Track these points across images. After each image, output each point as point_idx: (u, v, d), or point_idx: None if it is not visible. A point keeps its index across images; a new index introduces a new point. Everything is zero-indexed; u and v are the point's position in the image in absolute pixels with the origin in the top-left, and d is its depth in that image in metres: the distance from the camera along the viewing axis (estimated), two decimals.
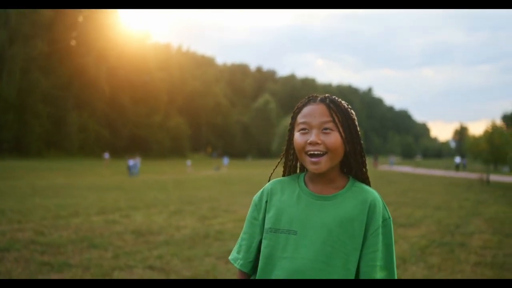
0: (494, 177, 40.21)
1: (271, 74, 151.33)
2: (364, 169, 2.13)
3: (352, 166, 2.12)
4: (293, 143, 2.12)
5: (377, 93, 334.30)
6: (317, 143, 1.97)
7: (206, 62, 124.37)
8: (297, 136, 2.04)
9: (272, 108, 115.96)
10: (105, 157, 54.14)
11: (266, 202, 2.13)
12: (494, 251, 9.40)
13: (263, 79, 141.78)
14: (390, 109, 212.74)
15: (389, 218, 2.04)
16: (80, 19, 70.87)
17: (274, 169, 2.33)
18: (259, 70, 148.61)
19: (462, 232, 11.58)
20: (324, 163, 1.97)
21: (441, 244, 9.82)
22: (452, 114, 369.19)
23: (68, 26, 68.78)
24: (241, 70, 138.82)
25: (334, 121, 2.00)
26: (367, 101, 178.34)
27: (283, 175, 2.27)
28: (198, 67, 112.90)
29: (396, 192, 23.64)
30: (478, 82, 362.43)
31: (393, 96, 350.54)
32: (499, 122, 50.26)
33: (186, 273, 7.00)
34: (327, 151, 1.97)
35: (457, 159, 49.39)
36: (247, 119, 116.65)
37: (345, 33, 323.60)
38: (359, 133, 2.10)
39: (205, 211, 14.31)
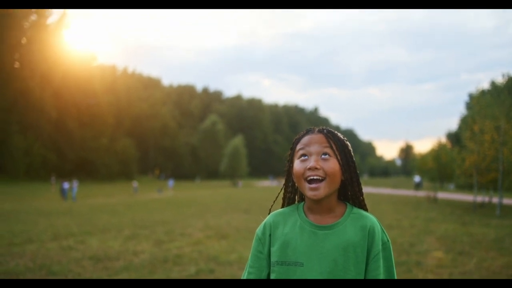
0: (441, 195, 40.94)
1: (217, 95, 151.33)
2: (361, 197, 2.22)
3: (349, 195, 2.22)
4: (292, 174, 2.21)
5: (323, 112, 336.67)
6: (316, 168, 2.05)
7: (153, 84, 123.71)
8: (297, 163, 2.13)
9: (220, 129, 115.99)
10: (52, 182, 53.32)
11: (270, 235, 2.18)
12: (450, 269, 9.59)
13: (210, 100, 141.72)
14: (336, 128, 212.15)
15: (388, 241, 2.13)
16: (24, 40, 69.48)
17: (274, 201, 2.37)
18: (205, 91, 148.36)
19: (416, 251, 11.76)
20: (323, 189, 2.05)
21: (398, 263, 9.93)
22: (397, 132, 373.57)
23: (10, 48, 67.19)
24: (187, 91, 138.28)
25: (332, 148, 2.10)
26: (313, 121, 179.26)
27: (282, 207, 2.32)
28: (145, 89, 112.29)
29: None
30: (422, 100, 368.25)
31: (339, 115, 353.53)
32: (444, 140, 51.18)
33: None
34: (325, 176, 2.06)
35: (417, 178, 50.00)
36: (195, 140, 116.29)
37: (290, 53, 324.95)
38: (355, 163, 2.19)
39: (161, 235, 14.23)
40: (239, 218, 20.23)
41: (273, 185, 75.73)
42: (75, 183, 37.98)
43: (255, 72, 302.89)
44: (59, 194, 37.72)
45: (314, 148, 2.11)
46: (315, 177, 2.05)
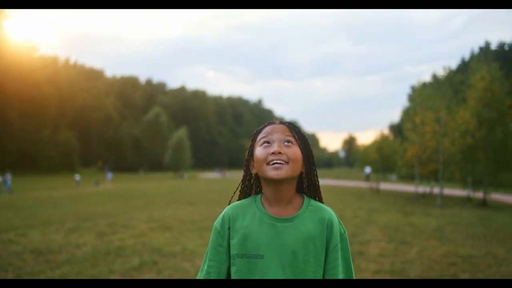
0: (383, 186, 41.56)
1: (161, 87, 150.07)
2: (318, 191, 2.27)
3: (305, 187, 2.27)
4: (250, 169, 2.25)
5: (268, 104, 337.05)
6: (280, 153, 2.08)
7: (95, 75, 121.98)
8: (259, 150, 2.15)
9: (163, 121, 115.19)
10: None
11: (229, 228, 2.18)
12: (392, 258, 9.76)
13: (154, 92, 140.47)
14: (280, 120, 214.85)
15: (345, 232, 2.17)
16: None
17: (234, 193, 2.38)
18: (149, 82, 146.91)
19: (359, 241, 11.95)
20: (285, 170, 2.07)
21: None
22: (341, 124, 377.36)
23: None
24: (131, 82, 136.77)
25: (294, 137, 2.16)
26: (257, 113, 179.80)
27: (239, 199, 2.33)
28: (88, 80, 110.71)
29: None
30: (365, 92, 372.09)
31: (283, 107, 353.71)
32: (386, 131, 51.98)
33: None
34: (288, 161, 2.08)
35: (367, 170, 50.57)
36: (138, 132, 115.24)
37: (235, 44, 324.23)
38: (314, 157, 2.25)
39: (103, 227, 14.11)
40: (183, 210, 20.21)
41: (219, 177, 75.75)
42: (9, 176, 37.16)
43: (200, 64, 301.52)
44: None
45: (277, 136, 2.14)
46: (278, 161, 2.07)
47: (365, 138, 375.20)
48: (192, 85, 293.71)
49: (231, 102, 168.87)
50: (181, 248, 10.68)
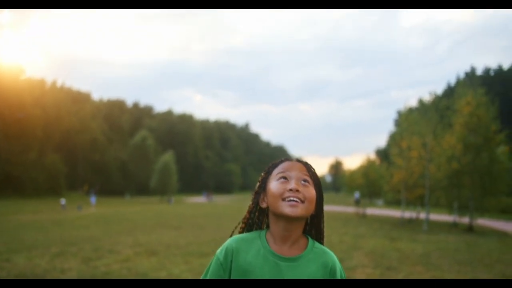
0: (369, 211, 41.60)
1: (148, 110, 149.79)
2: (322, 235, 2.30)
3: (309, 229, 2.28)
4: (258, 204, 2.25)
5: (255, 128, 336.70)
6: (297, 190, 2.08)
7: (82, 98, 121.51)
8: (275, 184, 2.15)
9: (150, 144, 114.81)
10: None
11: (231, 261, 2.15)
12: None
13: (140, 115, 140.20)
14: (267, 144, 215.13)
15: (344, 277, 2.19)
16: None
17: (239, 223, 2.35)
18: (136, 106, 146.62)
19: (345, 266, 11.86)
20: (300, 209, 2.07)
21: None
22: (327, 148, 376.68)
23: None
24: (117, 106, 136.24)
25: (311, 177, 2.17)
26: (244, 137, 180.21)
27: (241, 231, 2.32)
28: (74, 103, 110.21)
29: None
30: (352, 117, 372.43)
31: (270, 131, 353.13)
32: (372, 156, 52.16)
33: None
34: (304, 200, 2.08)
35: (357, 195, 50.77)
36: (125, 155, 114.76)
37: (222, 68, 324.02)
38: (323, 200, 2.27)
39: (89, 252, 13.99)
40: (169, 235, 20.10)
41: (206, 201, 75.59)
42: None
43: (187, 87, 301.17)
44: None
45: (295, 173, 2.15)
46: (295, 199, 2.07)
47: (352, 162, 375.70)
48: (179, 108, 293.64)
49: (218, 126, 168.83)
50: (166, 273, 10.61)
